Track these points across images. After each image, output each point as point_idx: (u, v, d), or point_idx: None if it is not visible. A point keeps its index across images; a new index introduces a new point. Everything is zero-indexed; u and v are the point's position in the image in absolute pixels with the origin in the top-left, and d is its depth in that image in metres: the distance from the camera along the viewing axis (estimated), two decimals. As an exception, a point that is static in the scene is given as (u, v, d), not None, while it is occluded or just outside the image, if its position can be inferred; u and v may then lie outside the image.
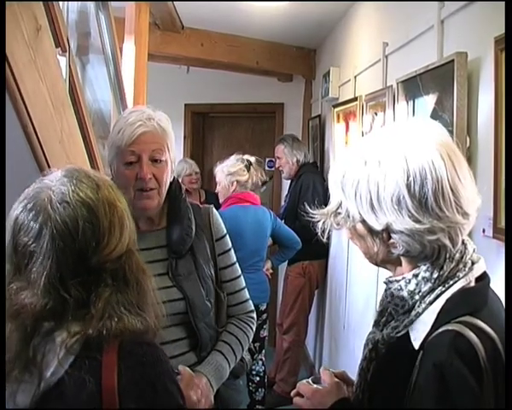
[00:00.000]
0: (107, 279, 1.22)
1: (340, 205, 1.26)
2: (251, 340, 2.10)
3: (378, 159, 1.18)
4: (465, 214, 1.17)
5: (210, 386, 1.88)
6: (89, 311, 1.18)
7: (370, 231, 1.22)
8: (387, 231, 1.18)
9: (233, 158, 4.19)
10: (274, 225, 4.26)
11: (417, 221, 1.14)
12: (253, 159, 4.20)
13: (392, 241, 1.20)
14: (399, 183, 1.14)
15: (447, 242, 1.17)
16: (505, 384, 1.07)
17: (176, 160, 2.03)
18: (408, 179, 1.13)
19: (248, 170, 4.10)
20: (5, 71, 1.65)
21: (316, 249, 4.66)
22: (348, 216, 1.24)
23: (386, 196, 1.15)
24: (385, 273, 1.33)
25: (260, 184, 4.24)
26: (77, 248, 1.18)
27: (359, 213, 1.21)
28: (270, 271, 4.50)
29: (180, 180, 5.18)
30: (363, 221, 1.21)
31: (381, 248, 1.23)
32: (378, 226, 1.18)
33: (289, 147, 5.01)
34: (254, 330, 2.13)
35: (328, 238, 1.35)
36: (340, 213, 1.26)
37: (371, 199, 1.17)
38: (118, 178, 1.92)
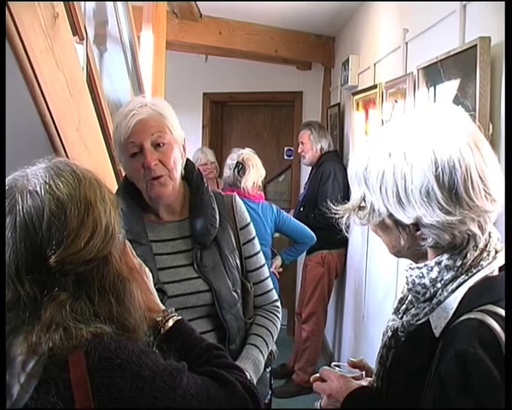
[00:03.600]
0: (67, 283, 1.12)
1: (363, 199, 1.23)
2: (278, 330, 2.07)
3: (403, 150, 1.14)
4: (493, 200, 1.14)
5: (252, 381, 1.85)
6: (40, 316, 1.08)
7: (397, 224, 1.19)
8: (416, 223, 1.16)
9: (228, 158, 4.18)
10: (278, 219, 4.10)
11: (448, 213, 1.11)
12: (246, 156, 4.09)
13: (420, 233, 1.17)
14: (428, 174, 1.11)
15: (477, 230, 1.15)
16: (505, 384, 1.04)
17: (185, 141, 1.96)
18: (436, 170, 1.10)
19: (238, 170, 4.01)
20: (5, 67, 1.64)
21: (335, 238, 4.62)
22: (373, 211, 1.21)
23: (414, 189, 1.12)
24: (405, 262, 1.31)
25: (260, 184, 4.13)
26: (37, 243, 1.09)
27: (385, 208, 1.18)
28: (280, 269, 4.36)
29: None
30: (390, 215, 1.19)
31: (409, 240, 1.21)
32: (407, 220, 1.16)
33: (316, 133, 4.96)
34: (281, 319, 2.10)
35: (348, 227, 1.32)
36: (364, 208, 1.24)
37: (398, 192, 1.14)
38: (128, 172, 1.91)
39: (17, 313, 1.10)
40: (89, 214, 1.13)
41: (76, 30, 2.27)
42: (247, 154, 4.12)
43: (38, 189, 1.12)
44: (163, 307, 1.47)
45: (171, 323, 1.43)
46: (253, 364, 1.90)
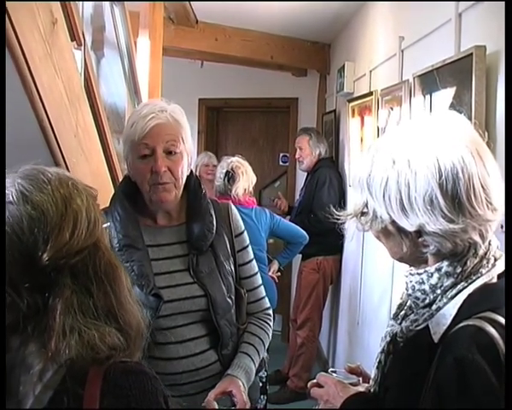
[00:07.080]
0: (65, 279, 1.11)
1: (365, 205, 1.24)
2: (270, 338, 2.09)
3: (407, 157, 1.15)
4: (494, 210, 1.15)
5: (244, 389, 1.87)
6: (48, 322, 1.07)
7: (399, 230, 1.20)
8: (419, 231, 1.16)
9: (219, 167, 4.22)
10: (272, 223, 4.11)
11: (451, 221, 1.12)
12: (236, 164, 4.10)
13: (422, 240, 1.18)
14: (431, 182, 1.11)
15: (478, 239, 1.15)
16: (505, 384, 1.04)
17: (193, 153, 1.99)
18: (440, 178, 1.11)
19: (228, 179, 4.03)
20: (5, 69, 1.64)
21: (330, 244, 4.65)
22: (376, 217, 1.21)
23: (417, 197, 1.13)
24: (400, 268, 1.32)
25: (252, 190, 4.14)
26: (24, 248, 1.08)
27: (388, 215, 1.18)
28: (278, 273, 4.36)
29: (198, 169, 5.21)
30: (393, 222, 1.19)
31: (411, 247, 1.21)
32: (410, 228, 1.16)
33: (314, 139, 5.01)
34: (273, 326, 2.12)
35: (343, 234, 1.32)
36: (366, 214, 1.24)
37: (401, 200, 1.15)
38: (133, 172, 1.92)
39: (19, 333, 1.08)
40: (67, 207, 1.13)
41: (74, 35, 2.27)
42: (237, 162, 4.12)
43: (11, 198, 1.11)
44: None
45: None
46: (245, 372, 1.92)
